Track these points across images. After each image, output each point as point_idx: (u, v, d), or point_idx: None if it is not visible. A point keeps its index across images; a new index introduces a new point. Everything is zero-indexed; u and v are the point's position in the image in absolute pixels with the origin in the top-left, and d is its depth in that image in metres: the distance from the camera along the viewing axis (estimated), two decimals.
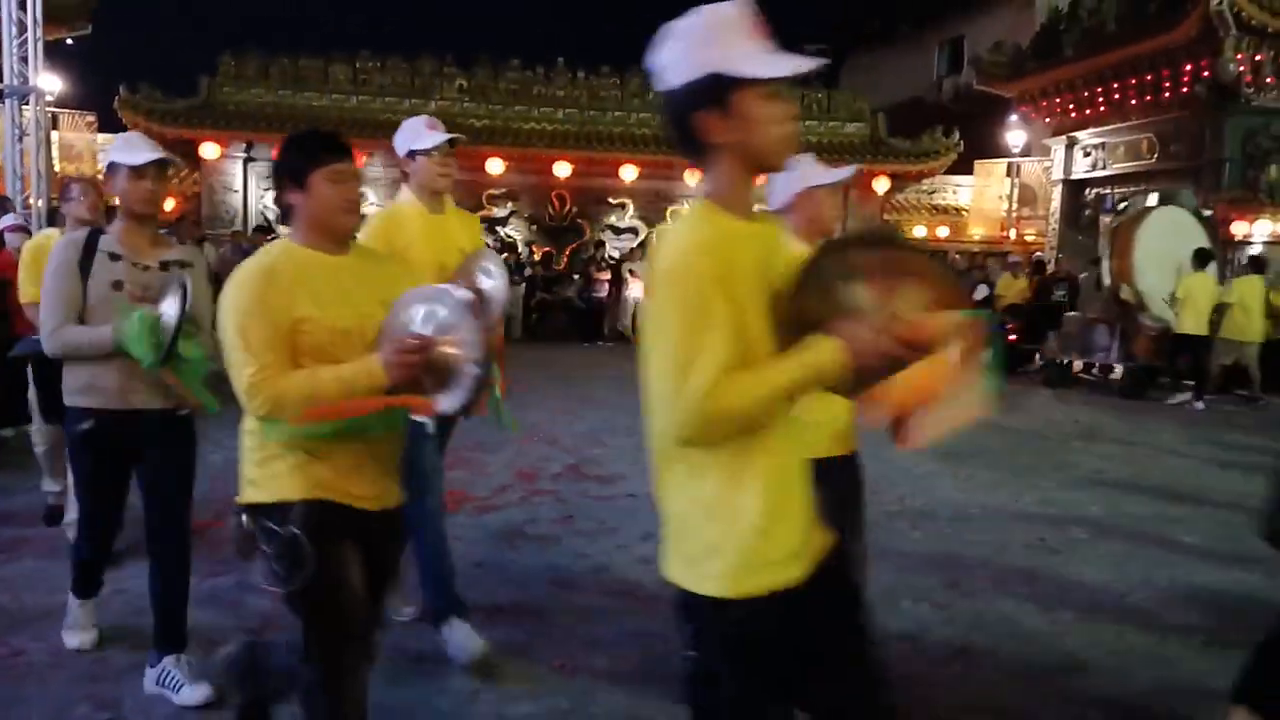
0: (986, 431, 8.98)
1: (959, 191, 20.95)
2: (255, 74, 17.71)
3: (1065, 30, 17.80)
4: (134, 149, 3.18)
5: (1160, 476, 7.29)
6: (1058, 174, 19.24)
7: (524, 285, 16.11)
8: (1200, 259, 11.05)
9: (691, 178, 17.64)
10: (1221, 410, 10.78)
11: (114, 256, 3.12)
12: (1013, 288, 14.50)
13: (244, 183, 17.64)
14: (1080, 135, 18.50)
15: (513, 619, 4.01)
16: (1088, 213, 18.94)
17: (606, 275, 16.99)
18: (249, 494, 2.38)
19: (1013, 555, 5.16)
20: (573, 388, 10.72)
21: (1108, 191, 18.56)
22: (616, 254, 18.06)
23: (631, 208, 18.58)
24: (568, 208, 18.44)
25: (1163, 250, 11.41)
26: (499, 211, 18.19)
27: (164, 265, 3.20)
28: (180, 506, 3.32)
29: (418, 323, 2.31)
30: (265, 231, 14.65)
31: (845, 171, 3.17)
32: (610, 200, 18.56)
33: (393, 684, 3.35)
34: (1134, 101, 16.73)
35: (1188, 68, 15.16)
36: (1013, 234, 20.22)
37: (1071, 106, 18.27)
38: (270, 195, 17.60)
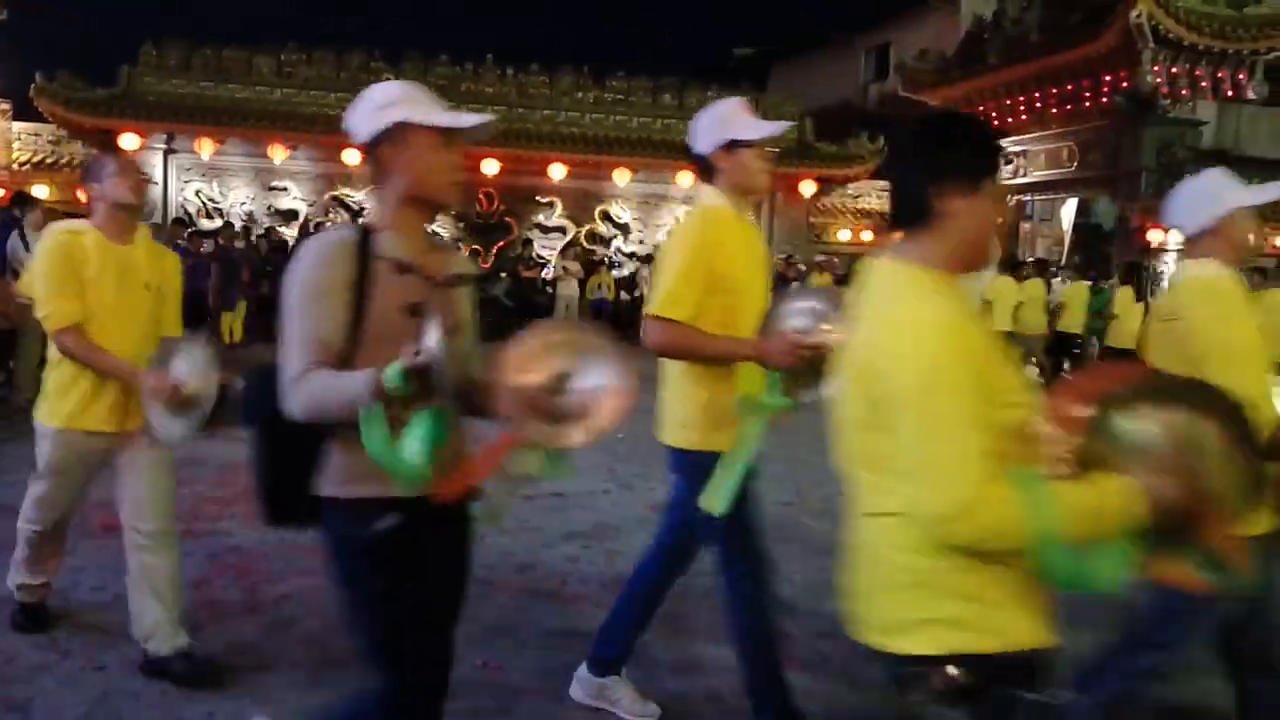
0: None
1: (884, 196, 21.21)
2: (177, 64, 17.25)
3: (989, 39, 18.23)
4: (425, 105, 2.08)
5: None
6: None
7: None
8: (999, 264, 12.46)
9: (621, 177, 17.68)
10: None
11: (403, 267, 2.03)
12: (822, 284, 15.64)
13: (164, 175, 17.16)
14: (1003, 143, 18.95)
15: None
16: (1009, 219, 19.46)
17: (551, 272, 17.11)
18: (943, 639, 1.60)
19: None
20: None
21: (1029, 198, 19.10)
22: (545, 253, 17.99)
23: (560, 206, 18.54)
24: (495, 205, 18.31)
25: None
26: None
27: (454, 280, 2.18)
28: (451, 633, 2.31)
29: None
30: (184, 225, 14.25)
31: (1277, 188, 2.70)
32: (539, 199, 18.49)
33: (308, 689, 3.30)
34: (1055, 111, 17.21)
35: (1107, 79, 15.63)
36: None
37: (994, 114, 18.73)
38: (191, 188, 17.25)
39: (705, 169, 2.86)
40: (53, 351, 3.28)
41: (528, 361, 1.98)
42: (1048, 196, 19.06)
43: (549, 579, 4.50)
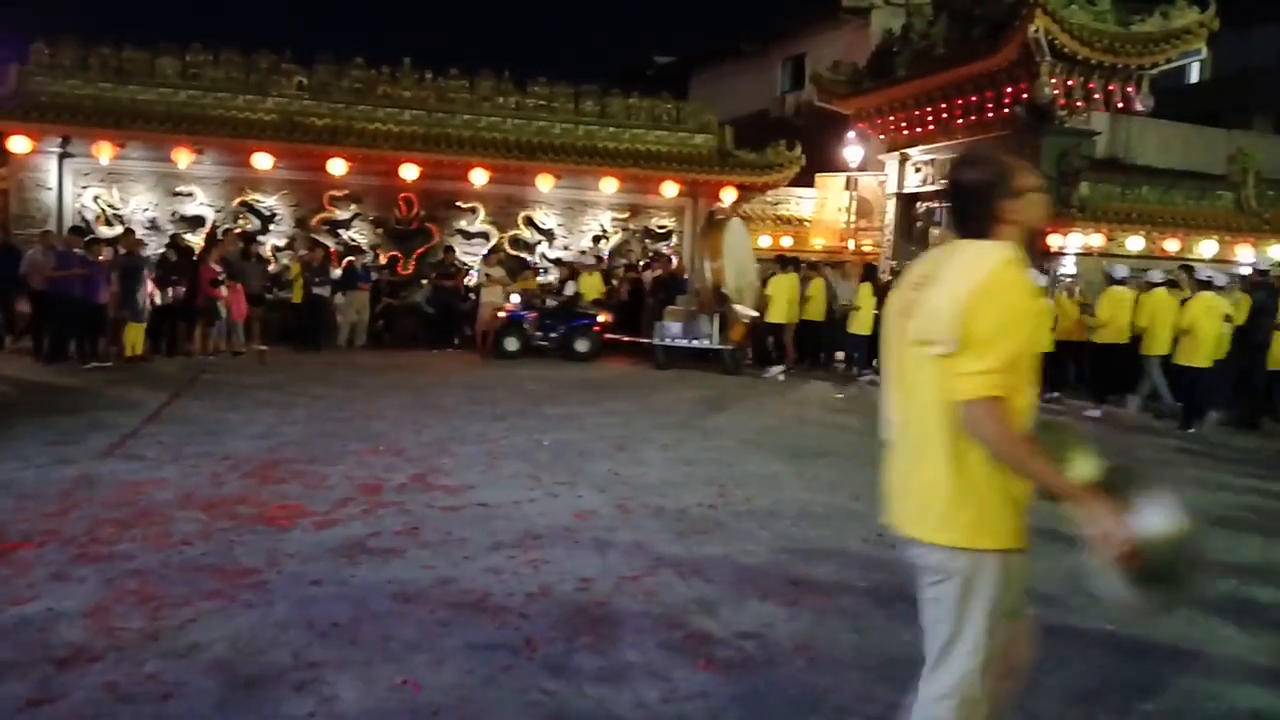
0: (829, 430, 9.26)
1: (802, 203, 21.60)
2: (73, 64, 16.51)
3: (898, 52, 18.65)
4: None
5: None
6: (891, 188, 20.12)
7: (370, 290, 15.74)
8: (781, 263, 14.69)
9: (544, 183, 17.56)
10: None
11: None
12: (593, 285, 16.34)
13: (59, 180, 16.40)
14: (911, 152, 19.41)
15: (350, 637, 3.85)
16: (919, 225, 19.92)
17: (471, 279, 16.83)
18: None
19: (854, 551, 5.32)
20: (419, 395, 10.45)
21: (936, 205, 19.58)
22: (467, 259, 17.75)
23: (482, 212, 18.32)
24: (415, 211, 18.00)
25: (734, 255, 13.92)
26: (342, 214, 17.58)
27: None
28: None
29: None
30: (81, 233, 13.65)
31: None
32: (460, 204, 18.24)
33: (222, 707, 3.17)
34: (960, 121, 17.68)
35: (1008, 90, 16.17)
36: (851, 244, 20.98)
37: (904, 124, 19.17)
38: (90, 194, 16.55)
39: None
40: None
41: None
42: None
43: (470, 592, 4.40)
